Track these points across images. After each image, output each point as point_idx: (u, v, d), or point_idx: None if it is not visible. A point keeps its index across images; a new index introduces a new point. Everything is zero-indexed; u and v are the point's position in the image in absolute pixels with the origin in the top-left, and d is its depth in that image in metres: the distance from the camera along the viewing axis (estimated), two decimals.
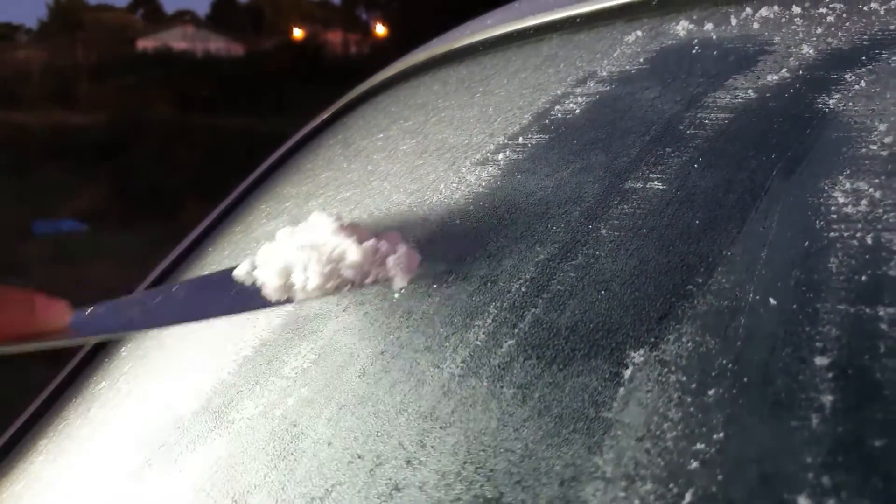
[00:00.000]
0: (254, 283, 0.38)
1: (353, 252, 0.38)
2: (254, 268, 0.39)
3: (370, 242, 0.39)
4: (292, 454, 0.34)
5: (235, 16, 26.64)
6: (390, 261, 0.38)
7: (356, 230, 0.40)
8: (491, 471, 0.28)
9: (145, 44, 22.23)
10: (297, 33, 22.92)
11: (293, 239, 0.40)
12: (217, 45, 22.72)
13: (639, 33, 0.55)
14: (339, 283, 0.38)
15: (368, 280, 0.38)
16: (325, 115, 0.82)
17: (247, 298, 0.38)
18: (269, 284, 0.38)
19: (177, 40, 22.67)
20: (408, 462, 0.30)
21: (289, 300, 0.38)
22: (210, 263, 0.62)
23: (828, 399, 0.25)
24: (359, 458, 0.31)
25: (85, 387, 0.57)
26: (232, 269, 0.40)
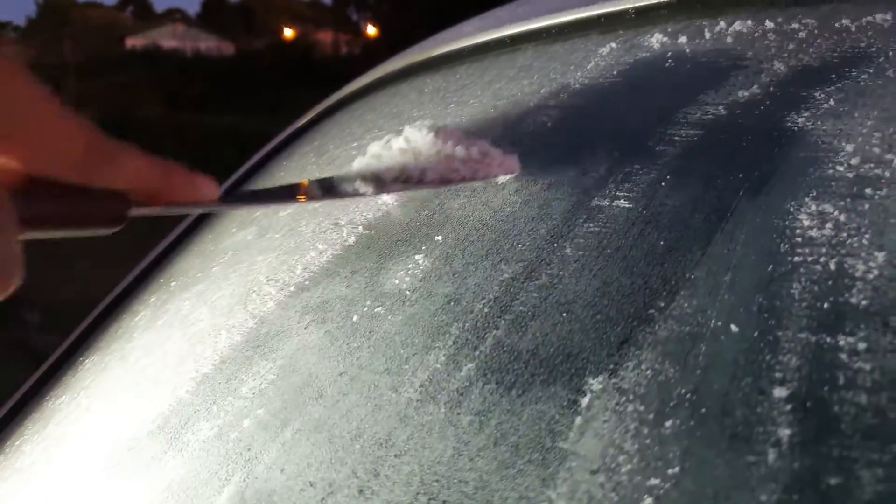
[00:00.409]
0: (369, 174, 0.42)
1: (459, 149, 0.42)
2: (366, 166, 0.42)
3: (471, 142, 0.42)
4: (244, 480, 0.33)
5: (226, 15, 26.53)
6: (494, 157, 0.42)
7: (453, 134, 0.43)
8: (444, 502, 0.27)
9: (134, 42, 22.09)
10: (288, 33, 22.85)
11: (393, 147, 0.43)
12: (207, 44, 22.61)
13: (613, 45, 0.54)
14: (451, 176, 0.42)
15: (478, 175, 0.42)
16: (302, 121, 0.81)
17: (357, 188, 0.42)
18: (385, 178, 0.41)
19: (166, 39, 22.55)
20: (360, 491, 0.29)
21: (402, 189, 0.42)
22: (177, 273, 0.60)
23: (785, 433, 0.24)
24: (311, 486, 0.30)
25: (46, 400, 0.55)
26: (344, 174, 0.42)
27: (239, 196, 0.37)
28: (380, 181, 0.42)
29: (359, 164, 0.44)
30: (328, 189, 0.42)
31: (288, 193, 0.41)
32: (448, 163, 0.42)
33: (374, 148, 0.44)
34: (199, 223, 0.73)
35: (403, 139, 0.44)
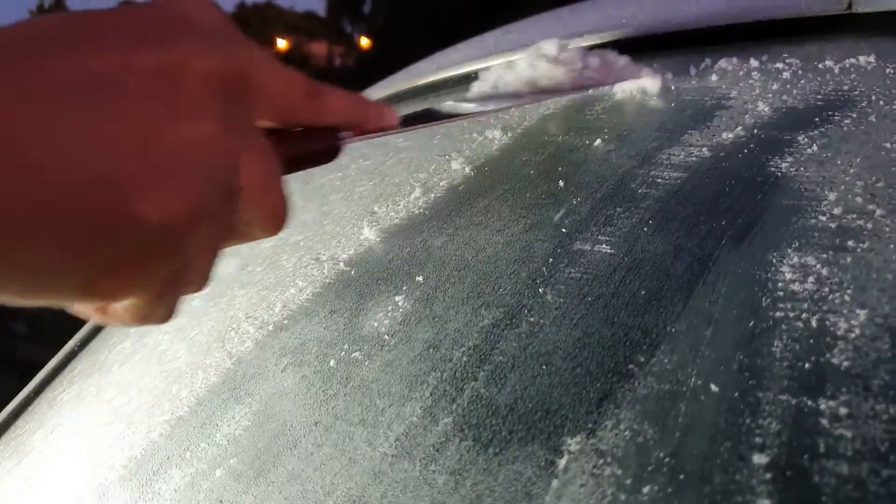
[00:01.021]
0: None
1: (592, 60, 0.47)
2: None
3: (599, 52, 0.48)
4: None
5: None
6: (621, 66, 0.48)
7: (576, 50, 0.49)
8: None
9: None
10: (282, 44, 22.90)
11: (525, 61, 0.48)
12: None
13: None
14: (590, 82, 0.46)
15: (610, 80, 0.47)
16: None
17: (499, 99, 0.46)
18: (522, 90, 0.45)
19: None
20: None
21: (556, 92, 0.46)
22: None
23: (764, 503, 0.23)
24: None
25: (18, 435, 0.54)
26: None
27: (413, 118, 0.40)
28: (516, 94, 0.47)
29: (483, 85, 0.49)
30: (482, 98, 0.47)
31: (440, 113, 0.45)
32: (576, 74, 0.47)
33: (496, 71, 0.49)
34: None
35: (527, 62, 0.48)
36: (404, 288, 0.41)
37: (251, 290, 0.50)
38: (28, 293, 0.21)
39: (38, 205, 0.19)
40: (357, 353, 0.38)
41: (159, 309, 0.25)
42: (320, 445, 0.33)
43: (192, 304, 0.53)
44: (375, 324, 0.39)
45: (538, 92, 0.48)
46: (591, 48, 0.50)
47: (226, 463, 0.35)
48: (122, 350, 0.55)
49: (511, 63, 0.47)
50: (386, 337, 0.38)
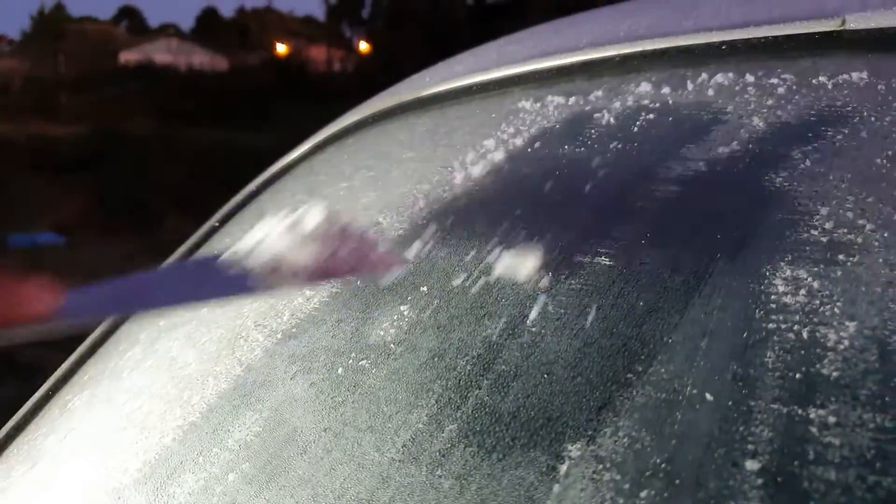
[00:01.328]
0: (244, 269, 0.39)
1: (342, 246, 0.40)
2: (245, 254, 0.39)
3: (356, 239, 0.41)
4: None
5: (220, 30, 26.64)
6: (373, 257, 0.40)
7: (341, 227, 0.42)
8: None
9: (128, 56, 22.13)
10: (281, 49, 22.96)
11: (284, 230, 0.41)
12: (201, 58, 22.67)
13: (599, 93, 0.55)
14: (325, 274, 0.39)
15: (354, 272, 0.40)
16: (292, 156, 0.81)
17: (236, 284, 0.38)
18: (260, 271, 0.38)
19: (160, 53, 22.60)
20: None
21: (275, 287, 0.38)
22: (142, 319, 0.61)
23: None
24: None
25: (31, 440, 0.55)
26: (221, 254, 0.40)
27: (94, 296, 0.35)
28: (277, 274, 0.39)
29: (255, 257, 0.40)
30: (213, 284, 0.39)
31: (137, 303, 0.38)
32: (338, 257, 0.40)
33: (271, 240, 0.41)
34: (191, 254, 0.73)
35: (296, 232, 0.41)
36: (409, 298, 0.42)
37: (259, 299, 0.51)
38: None
39: None
40: (364, 362, 0.39)
41: None
42: (330, 451, 0.34)
43: (200, 311, 0.54)
44: (382, 333, 0.40)
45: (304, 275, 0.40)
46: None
47: (238, 467, 0.36)
48: (133, 356, 0.57)
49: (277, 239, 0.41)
50: (392, 346, 0.39)
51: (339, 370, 0.39)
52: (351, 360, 0.39)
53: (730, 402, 0.28)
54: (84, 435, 0.51)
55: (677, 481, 0.26)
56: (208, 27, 26.57)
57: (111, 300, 0.37)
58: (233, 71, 20.01)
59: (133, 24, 29.38)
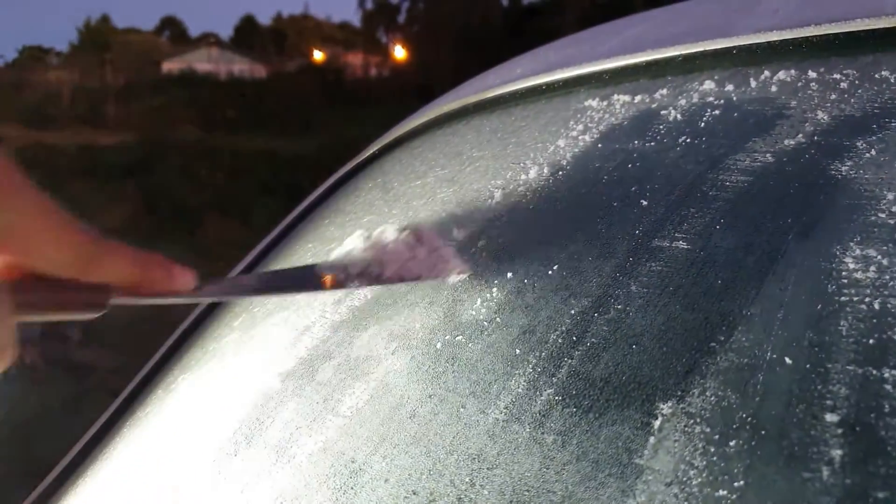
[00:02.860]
0: (340, 269, 0.46)
1: (419, 252, 0.48)
2: (338, 259, 0.47)
3: (428, 245, 0.48)
4: (352, 488, 0.37)
5: (258, 38, 27.17)
6: (444, 263, 0.47)
7: (418, 235, 0.49)
8: None
9: (171, 65, 22.75)
10: (318, 55, 23.30)
11: (367, 240, 0.49)
12: (240, 66, 23.17)
13: (664, 91, 0.59)
14: (405, 276, 0.46)
15: (429, 277, 0.47)
16: (360, 158, 0.86)
17: (313, 282, 0.46)
18: (351, 272, 0.46)
19: (201, 62, 23.17)
20: (459, 499, 0.34)
21: (363, 284, 0.46)
22: (256, 301, 0.66)
23: (837, 454, 0.28)
24: (414, 494, 0.35)
25: (139, 418, 0.61)
26: (315, 264, 0.47)
27: (214, 285, 0.39)
28: (347, 275, 0.46)
29: (334, 256, 0.49)
30: (296, 280, 0.48)
31: (266, 283, 0.46)
32: (406, 262, 0.47)
33: (350, 242, 0.50)
34: (271, 250, 0.78)
35: (371, 237, 0.50)
36: (495, 282, 0.46)
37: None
38: None
39: None
40: (460, 337, 0.43)
41: None
42: (437, 413, 0.39)
43: (295, 298, 0.59)
44: (473, 312, 0.45)
45: (372, 277, 0.47)
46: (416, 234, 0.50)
47: (352, 430, 0.41)
48: (230, 340, 0.62)
49: (355, 242, 0.49)
50: (485, 323, 0.43)
51: (438, 345, 0.43)
52: (447, 336, 0.44)
53: (808, 365, 0.31)
54: (195, 411, 0.56)
55: (763, 432, 0.30)
56: (247, 35, 27.12)
57: (230, 287, 0.45)
58: (272, 78, 20.39)
59: (174, 33, 30.18)
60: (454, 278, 0.47)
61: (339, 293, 0.54)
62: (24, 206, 0.28)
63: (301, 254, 0.69)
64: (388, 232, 0.50)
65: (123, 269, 0.32)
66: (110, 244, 0.32)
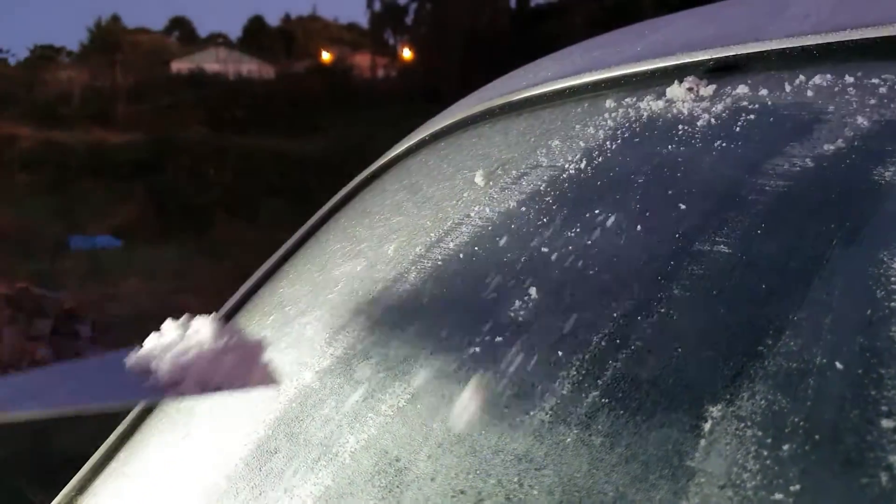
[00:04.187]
0: (145, 373, 0.41)
1: (228, 359, 0.43)
2: (145, 358, 0.42)
3: (238, 352, 0.43)
4: (398, 487, 0.38)
5: (266, 39, 27.26)
6: (253, 370, 0.43)
7: (236, 336, 0.44)
8: None
9: (180, 66, 22.85)
10: (326, 56, 23.36)
11: (181, 336, 0.44)
12: (249, 67, 23.25)
13: (694, 94, 0.59)
14: (217, 385, 0.42)
15: (234, 387, 0.42)
16: (384, 159, 0.87)
17: (135, 389, 0.41)
18: (160, 377, 0.41)
19: (210, 62, 23.26)
20: (507, 499, 0.34)
21: (176, 395, 0.41)
22: (287, 301, 0.66)
23: (895, 459, 0.28)
24: (462, 493, 0.35)
25: (178, 409, 0.61)
26: (121, 355, 0.43)
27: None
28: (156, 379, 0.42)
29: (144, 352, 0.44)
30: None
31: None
32: (204, 370, 0.42)
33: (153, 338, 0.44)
34: (296, 250, 0.79)
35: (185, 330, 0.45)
36: (534, 282, 0.47)
37: (379, 286, 0.56)
38: None
39: None
40: (500, 339, 0.43)
41: None
42: (479, 414, 0.39)
43: (327, 298, 0.60)
44: (511, 314, 0.45)
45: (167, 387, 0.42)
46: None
47: (394, 429, 0.41)
48: (264, 338, 0.62)
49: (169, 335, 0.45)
50: (525, 325, 0.43)
51: (476, 347, 0.44)
52: (486, 338, 0.44)
53: (860, 371, 0.32)
54: (230, 407, 0.56)
55: (816, 437, 0.30)
56: (255, 36, 27.21)
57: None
58: (280, 78, 20.45)
59: (184, 34, 30.31)
60: (258, 391, 0.44)
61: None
62: None
63: (329, 255, 0.69)
64: (204, 330, 0.45)
65: None
66: None
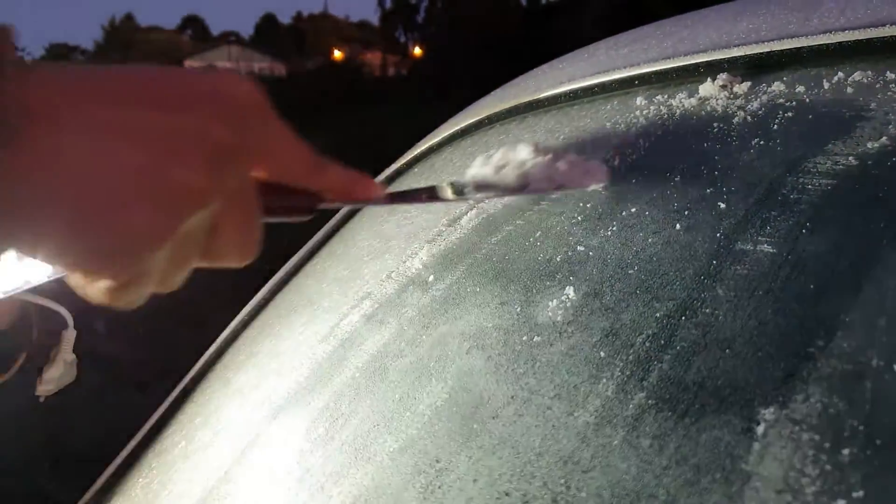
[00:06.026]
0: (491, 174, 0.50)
1: (560, 161, 0.52)
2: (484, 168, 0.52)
3: (563, 154, 0.52)
4: (440, 488, 0.37)
5: (278, 37, 27.35)
6: (584, 169, 0.52)
7: (551, 150, 0.53)
8: None
9: (192, 63, 22.97)
10: (337, 54, 23.41)
11: (497, 159, 0.53)
12: (261, 64, 23.34)
13: (728, 92, 0.58)
14: (555, 185, 0.50)
15: (571, 184, 0.51)
16: (409, 156, 0.86)
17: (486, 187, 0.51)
18: (507, 175, 0.50)
19: (222, 60, 23.38)
20: (554, 501, 0.33)
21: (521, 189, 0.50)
22: (310, 299, 0.66)
23: None
24: (506, 495, 0.35)
25: (208, 399, 0.61)
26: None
27: (395, 196, 0.48)
28: (490, 187, 0.50)
29: (471, 172, 0.53)
30: (458, 191, 0.51)
31: (428, 193, 0.51)
32: (544, 172, 0.51)
33: (480, 160, 0.53)
34: (323, 245, 0.79)
35: (505, 153, 0.53)
36: (571, 281, 0.46)
37: (418, 288, 0.55)
38: (43, 255, 0.28)
39: (57, 198, 0.27)
40: (538, 338, 0.43)
41: (126, 296, 0.31)
42: (521, 415, 0.38)
43: (371, 291, 0.59)
44: (550, 314, 0.44)
45: (517, 189, 0.51)
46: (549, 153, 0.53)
47: (433, 429, 0.41)
48: (316, 333, 0.62)
49: (493, 157, 0.53)
50: (563, 325, 0.43)
51: (514, 346, 0.43)
52: (524, 337, 0.43)
53: None
54: (262, 398, 0.56)
55: (877, 441, 0.29)
56: (267, 34, 27.31)
57: (397, 197, 0.51)
58: (291, 76, 20.51)
59: (196, 32, 30.46)
60: (593, 187, 0.51)
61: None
62: (275, 129, 0.34)
63: (358, 251, 0.69)
64: (520, 150, 0.53)
65: (336, 180, 0.39)
66: (327, 160, 0.38)
